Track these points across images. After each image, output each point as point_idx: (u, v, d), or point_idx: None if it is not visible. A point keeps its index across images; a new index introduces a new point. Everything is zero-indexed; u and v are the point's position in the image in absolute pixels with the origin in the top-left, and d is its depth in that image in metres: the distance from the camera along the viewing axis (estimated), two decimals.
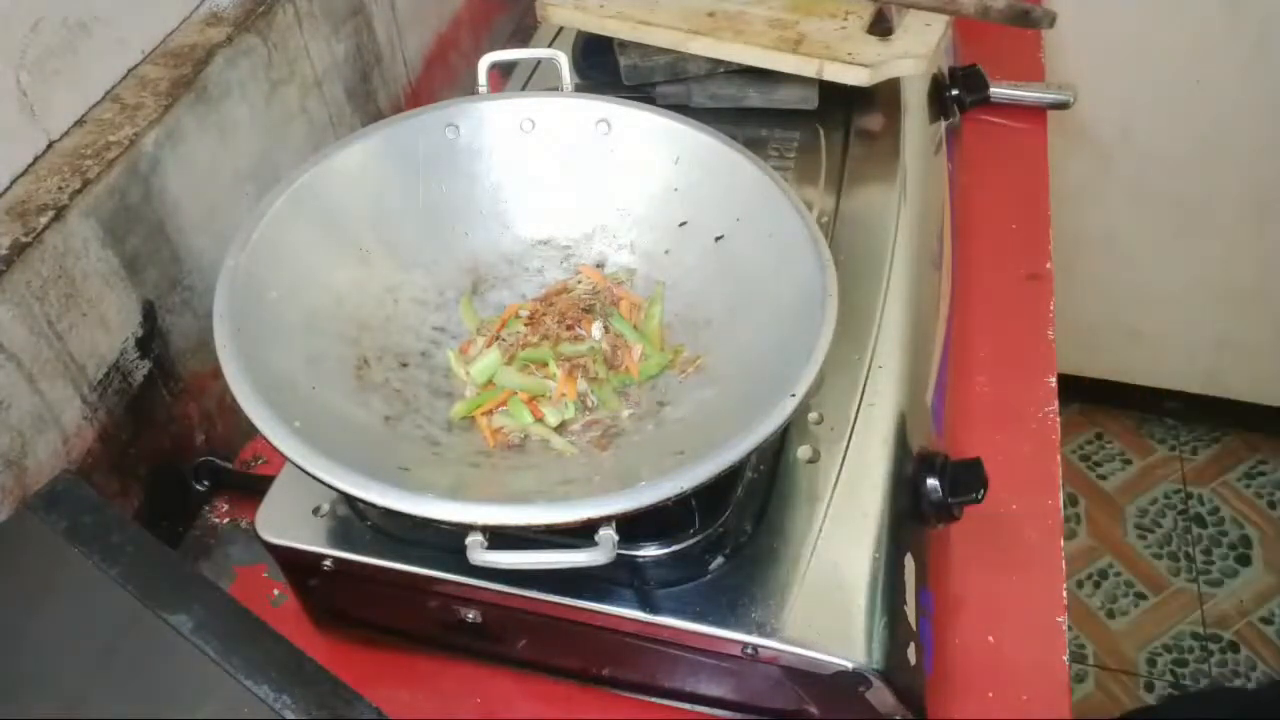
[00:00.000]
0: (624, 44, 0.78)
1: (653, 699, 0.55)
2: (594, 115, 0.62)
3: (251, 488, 0.66)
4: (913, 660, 0.50)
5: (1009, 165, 0.89)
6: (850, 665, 0.47)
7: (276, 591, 0.62)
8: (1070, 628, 0.61)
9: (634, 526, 0.46)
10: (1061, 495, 0.64)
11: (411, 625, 0.57)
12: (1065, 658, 0.57)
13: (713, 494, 0.51)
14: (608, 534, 0.42)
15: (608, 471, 0.51)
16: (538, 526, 0.42)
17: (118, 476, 0.60)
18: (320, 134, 0.76)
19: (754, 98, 0.78)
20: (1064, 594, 0.60)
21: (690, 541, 0.51)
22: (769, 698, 0.52)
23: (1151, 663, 1.48)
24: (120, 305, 0.59)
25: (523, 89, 0.82)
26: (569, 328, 0.57)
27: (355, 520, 0.53)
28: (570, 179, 0.62)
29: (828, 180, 0.72)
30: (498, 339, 0.58)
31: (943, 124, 0.84)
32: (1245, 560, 1.57)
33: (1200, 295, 1.52)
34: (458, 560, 0.44)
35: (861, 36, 0.75)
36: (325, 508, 0.53)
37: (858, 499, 0.53)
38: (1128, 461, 1.70)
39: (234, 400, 0.45)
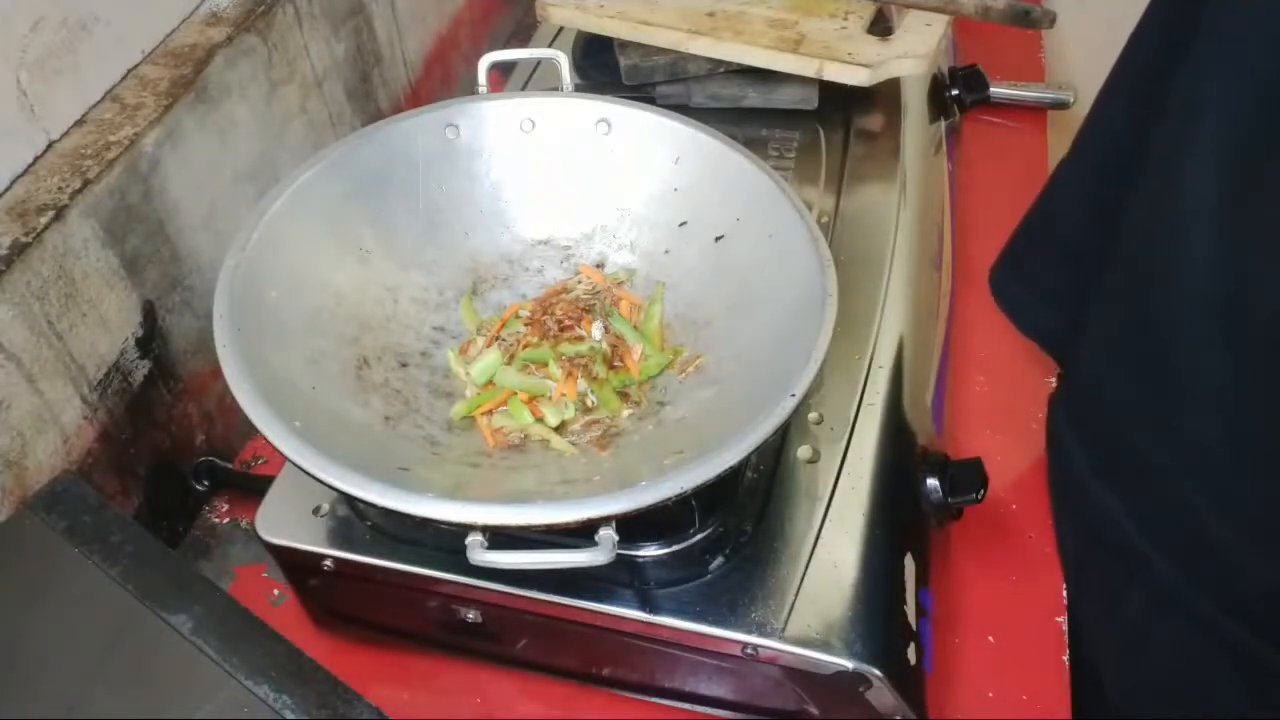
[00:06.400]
0: (624, 44, 0.78)
1: (653, 699, 0.55)
2: (594, 115, 0.62)
3: (251, 488, 0.66)
4: (913, 660, 0.50)
5: (1009, 165, 0.89)
6: (850, 665, 0.47)
7: (276, 591, 0.62)
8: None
9: (634, 526, 0.46)
10: None
11: (411, 625, 0.57)
12: (1065, 658, 0.57)
13: (713, 494, 0.51)
14: (608, 534, 0.42)
15: (608, 471, 0.51)
16: (538, 526, 0.42)
17: (118, 476, 0.60)
18: (320, 134, 0.76)
19: (754, 98, 0.78)
20: (1064, 594, 0.60)
21: (690, 541, 0.51)
22: (769, 698, 0.52)
23: None
24: (120, 305, 0.59)
25: (523, 89, 0.82)
26: (569, 328, 0.57)
27: (355, 520, 0.53)
28: (570, 179, 0.62)
29: (828, 180, 0.72)
30: (498, 339, 0.58)
31: (943, 124, 0.84)
32: None
33: None
34: (458, 560, 0.44)
35: (861, 36, 0.75)
36: (325, 508, 0.54)
37: (858, 499, 0.53)
38: None
39: (234, 400, 0.45)
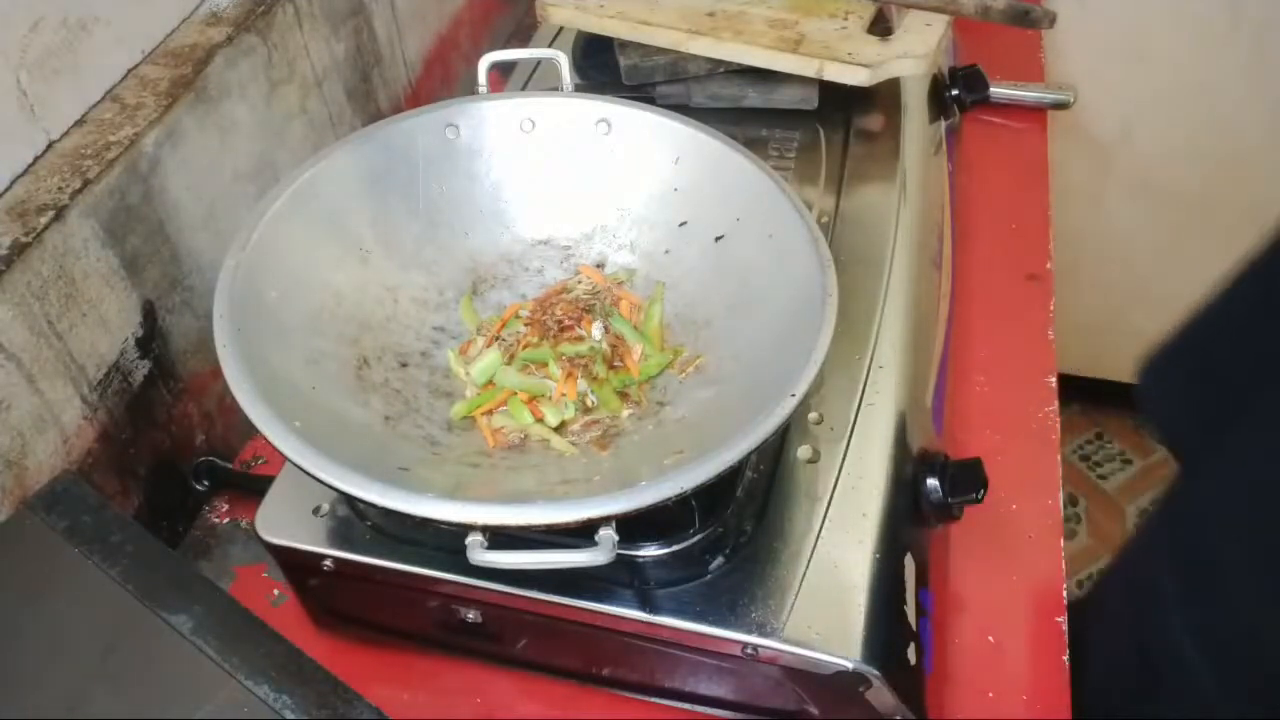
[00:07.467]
0: (624, 44, 0.78)
1: (653, 699, 0.55)
2: (594, 115, 0.62)
3: (251, 488, 0.66)
4: (913, 660, 0.50)
5: (1009, 165, 0.89)
6: (850, 665, 0.47)
7: (276, 591, 0.62)
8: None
9: (634, 526, 0.46)
10: (1061, 495, 0.64)
11: (411, 625, 0.57)
12: (1065, 658, 0.57)
13: (713, 494, 0.51)
14: (608, 534, 0.42)
15: (608, 471, 0.51)
16: (538, 526, 0.42)
17: (118, 476, 0.60)
18: (320, 134, 0.76)
19: (754, 98, 0.78)
20: (1064, 594, 0.60)
21: (690, 541, 0.51)
22: (769, 698, 0.52)
23: None
24: (120, 305, 0.59)
25: (523, 89, 0.82)
26: (569, 328, 0.57)
27: (355, 520, 0.53)
28: (570, 179, 0.62)
29: (828, 180, 0.72)
30: (498, 339, 0.58)
31: (943, 124, 0.84)
32: None
33: (1200, 295, 1.51)
34: (458, 560, 0.44)
35: (861, 36, 0.75)
36: (325, 508, 0.53)
37: (858, 499, 0.53)
38: (1128, 461, 1.70)
39: (234, 400, 0.45)
